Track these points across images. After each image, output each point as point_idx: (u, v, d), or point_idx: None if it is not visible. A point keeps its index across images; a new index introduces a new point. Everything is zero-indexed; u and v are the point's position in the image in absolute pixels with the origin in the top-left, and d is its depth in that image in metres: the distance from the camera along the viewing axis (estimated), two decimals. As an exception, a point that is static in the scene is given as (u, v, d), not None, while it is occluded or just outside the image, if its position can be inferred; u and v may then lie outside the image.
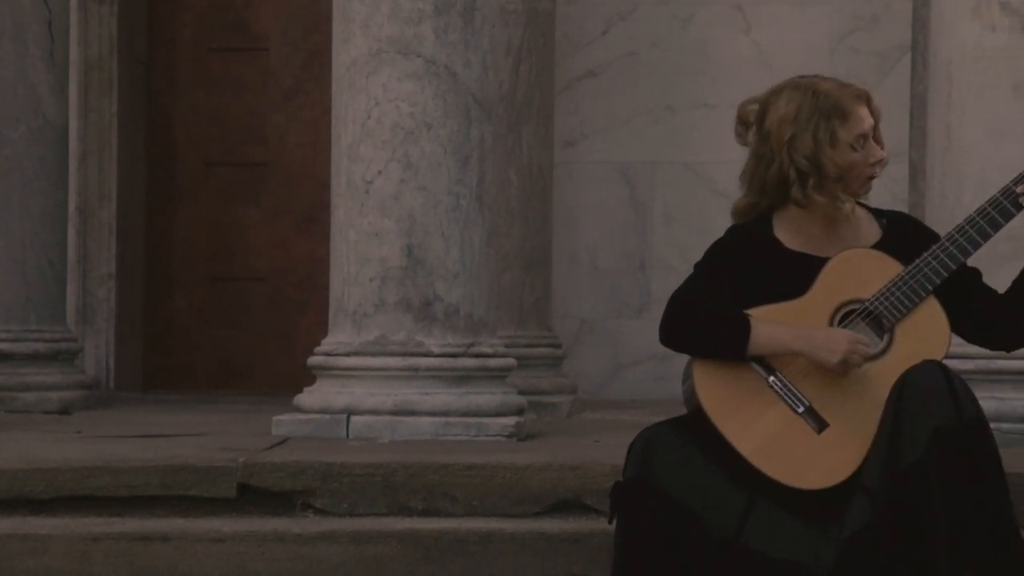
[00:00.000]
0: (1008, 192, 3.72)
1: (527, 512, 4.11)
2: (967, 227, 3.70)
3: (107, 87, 6.97)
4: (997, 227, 3.70)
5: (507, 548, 3.98)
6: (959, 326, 3.77)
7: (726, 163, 6.71)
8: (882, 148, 3.77)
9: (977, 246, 3.70)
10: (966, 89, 4.72)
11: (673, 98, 6.69)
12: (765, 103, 3.76)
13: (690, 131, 6.67)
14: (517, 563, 3.97)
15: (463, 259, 4.78)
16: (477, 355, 4.79)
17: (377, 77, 4.76)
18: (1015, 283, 3.77)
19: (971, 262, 3.81)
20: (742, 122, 3.80)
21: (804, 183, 3.72)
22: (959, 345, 3.76)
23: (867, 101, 3.75)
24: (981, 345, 3.84)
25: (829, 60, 6.51)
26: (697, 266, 3.81)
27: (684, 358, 3.79)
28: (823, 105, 3.70)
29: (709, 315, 3.68)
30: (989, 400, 4.60)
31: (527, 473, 4.13)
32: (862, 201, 3.83)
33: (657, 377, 6.56)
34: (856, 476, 3.59)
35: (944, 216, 4.58)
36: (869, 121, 3.73)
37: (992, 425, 4.53)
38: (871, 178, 3.77)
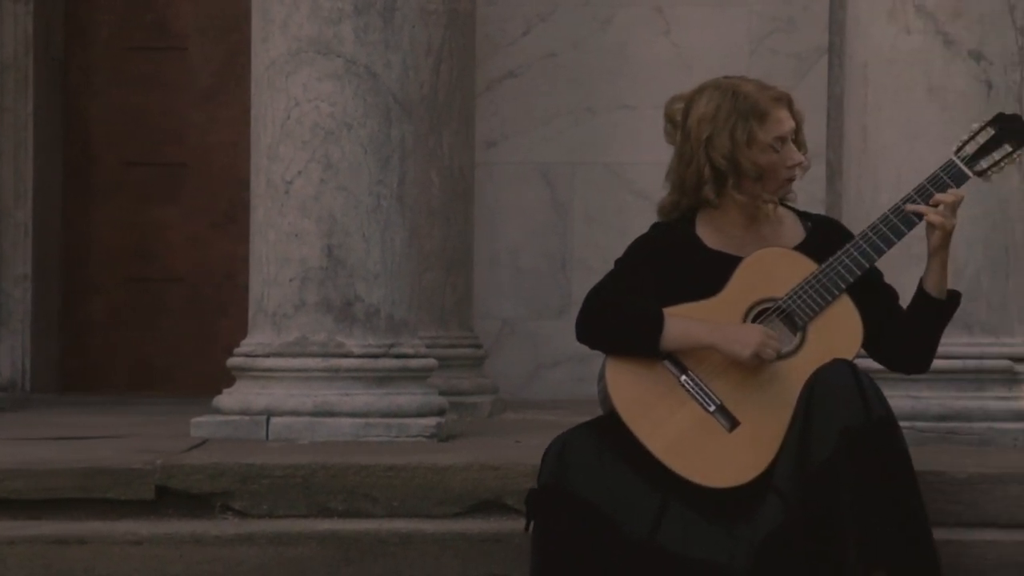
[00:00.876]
0: (922, 190, 3.76)
1: (448, 513, 4.11)
2: (880, 226, 3.73)
3: (23, 86, 6.89)
4: (911, 225, 3.74)
5: (428, 549, 3.98)
6: (868, 343, 3.80)
7: (646, 164, 6.75)
8: (804, 151, 3.80)
9: (891, 244, 3.74)
10: (882, 91, 4.77)
11: (593, 99, 6.71)
12: (689, 102, 3.79)
13: (610, 132, 6.69)
14: (438, 564, 3.97)
15: (384, 260, 4.77)
16: (398, 356, 4.79)
17: (297, 77, 4.75)
18: (910, 305, 3.80)
19: (886, 263, 3.85)
20: (670, 120, 3.82)
21: (720, 183, 3.74)
22: (876, 345, 3.79)
23: (788, 104, 3.77)
24: (887, 365, 3.88)
25: (748, 61, 6.55)
26: (618, 262, 3.83)
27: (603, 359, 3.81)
28: (742, 106, 3.72)
29: (623, 310, 3.70)
30: (904, 399, 4.66)
31: (448, 474, 4.14)
32: (789, 203, 3.85)
33: (578, 378, 6.57)
34: (767, 474, 3.62)
35: (860, 216, 4.62)
36: (789, 124, 3.75)
37: (907, 424, 4.60)
38: (790, 180, 3.79)
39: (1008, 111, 4.72)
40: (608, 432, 3.68)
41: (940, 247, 3.75)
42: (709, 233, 3.80)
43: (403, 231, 4.81)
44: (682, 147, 3.78)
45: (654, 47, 6.67)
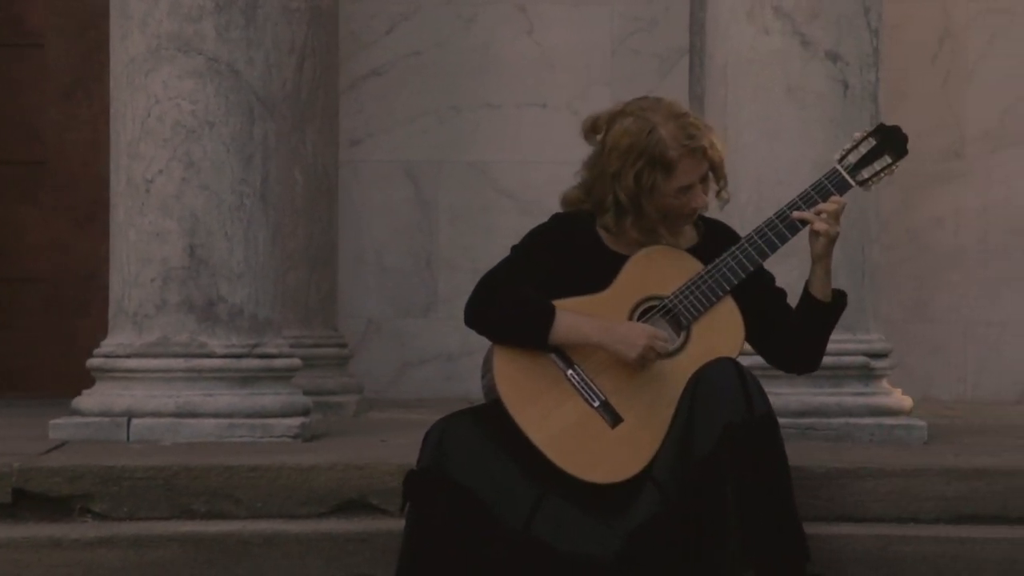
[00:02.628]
0: (807, 196, 3.82)
1: (312, 513, 4.10)
2: (766, 229, 3.80)
3: None
4: (795, 231, 3.80)
5: (292, 549, 3.97)
6: (760, 345, 3.86)
7: (510, 162, 6.77)
8: (724, 184, 3.80)
9: (775, 248, 3.81)
10: (741, 91, 4.82)
11: (458, 98, 6.71)
12: (612, 118, 3.78)
13: (475, 131, 6.70)
14: (302, 564, 3.96)
15: (247, 259, 4.74)
16: (262, 356, 4.76)
17: (157, 75, 4.70)
18: (796, 307, 3.86)
19: (783, 263, 3.91)
20: (593, 130, 3.81)
21: (621, 216, 3.76)
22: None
23: (704, 151, 3.74)
24: (779, 367, 3.94)
25: (611, 61, 6.59)
26: (514, 249, 3.84)
27: (472, 358, 3.82)
28: (652, 151, 3.71)
29: (515, 300, 3.71)
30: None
31: (312, 474, 4.12)
32: None
33: (444, 376, 6.58)
34: (647, 470, 3.65)
35: (721, 216, 4.66)
36: (698, 172, 3.74)
37: (769, 420, 4.66)
38: (691, 216, 3.82)
39: (864, 111, 4.81)
40: (490, 420, 3.69)
41: (824, 253, 3.81)
42: (610, 234, 3.82)
43: (266, 230, 4.79)
44: (596, 159, 3.79)
45: (517, 46, 6.69)
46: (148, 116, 4.71)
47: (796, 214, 3.79)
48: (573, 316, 3.69)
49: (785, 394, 4.74)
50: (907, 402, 4.87)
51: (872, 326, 4.86)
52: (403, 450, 3.80)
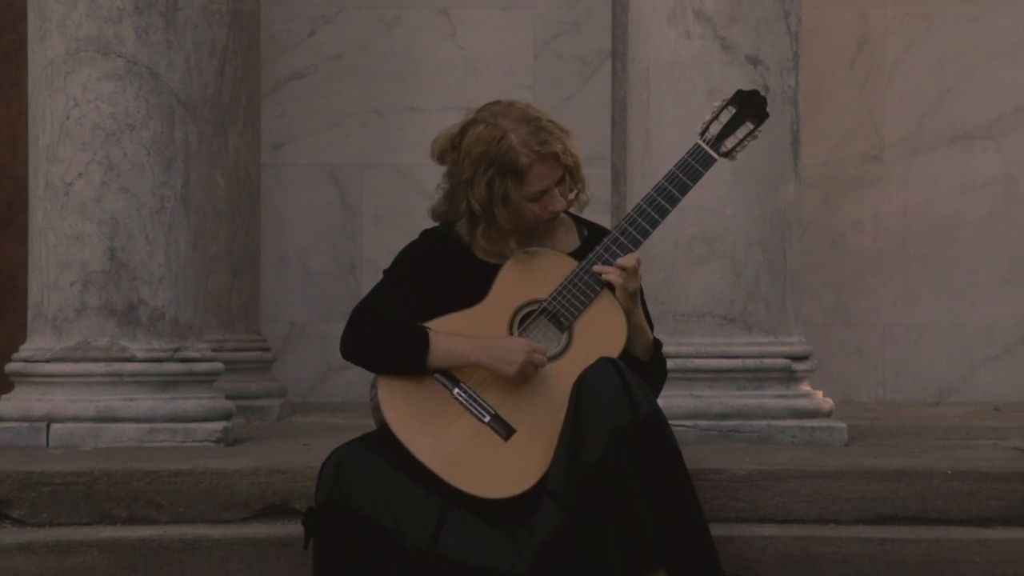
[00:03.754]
0: (672, 177, 3.78)
1: (235, 518, 4.08)
2: (637, 217, 3.73)
3: None
4: (664, 214, 3.75)
5: (214, 555, 3.94)
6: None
7: (433, 166, 6.76)
8: (582, 187, 3.75)
9: (647, 235, 3.73)
10: (664, 95, 4.84)
11: (381, 101, 6.70)
12: (465, 127, 3.75)
13: (398, 134, 6.69)
14: (224, 569, 3.94)
15: (168, 262, 4.72)
16: (183, 360, 4.74)
17: (76, 77, 4.67)
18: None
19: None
20: (442, 152, 3.79)
21: (474, 224, 3.72)
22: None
23: (557, 156, 3.67)
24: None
25: (533, 64, 6.60)
26: (385, 273, 3.81)
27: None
28: (503, 160, 3.66)
29: (387, 331, 3.67)
30: (687, 398, 4.74)
31: (235, 478, 4.10)
32: (570, 210, 3.85)
33: (368, 380, 6.54)
34: (544, 482, 3.63)
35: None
36: (552, 177, 3.68)
37: (690, 423, 4.69)
38: (547, 220, 3.78)
39: (785, 115, 4.84)
40: (385, 443, 3.66)
41: (626, 307, 3.69)
42: (478, 244, 3.78)
43: (188, 233, 4.76)
44: (453, 168, 3.76)
45: (440, 49, 6.69)
46: (67, 119, 4.68)
47: (596, 268, 3.67)
48: (448, 339, 3.65)
49: (707, 396, 4.77)
50: (828, 404, 4.91)
51: (793, 329, 4.89)
52: (326, 454, 3.78)
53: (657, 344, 3.78)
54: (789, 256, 4.88)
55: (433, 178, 6.83)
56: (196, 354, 4.77)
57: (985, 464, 4.30)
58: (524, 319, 3.71)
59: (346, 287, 6.69)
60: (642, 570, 3.55)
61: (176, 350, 4.72)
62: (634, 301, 3.69)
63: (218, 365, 4.86)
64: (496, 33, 6.66)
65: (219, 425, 4.71)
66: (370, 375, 3.74)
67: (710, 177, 4.70)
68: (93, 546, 3.90)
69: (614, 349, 3.67)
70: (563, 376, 3.65)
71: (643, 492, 3.55)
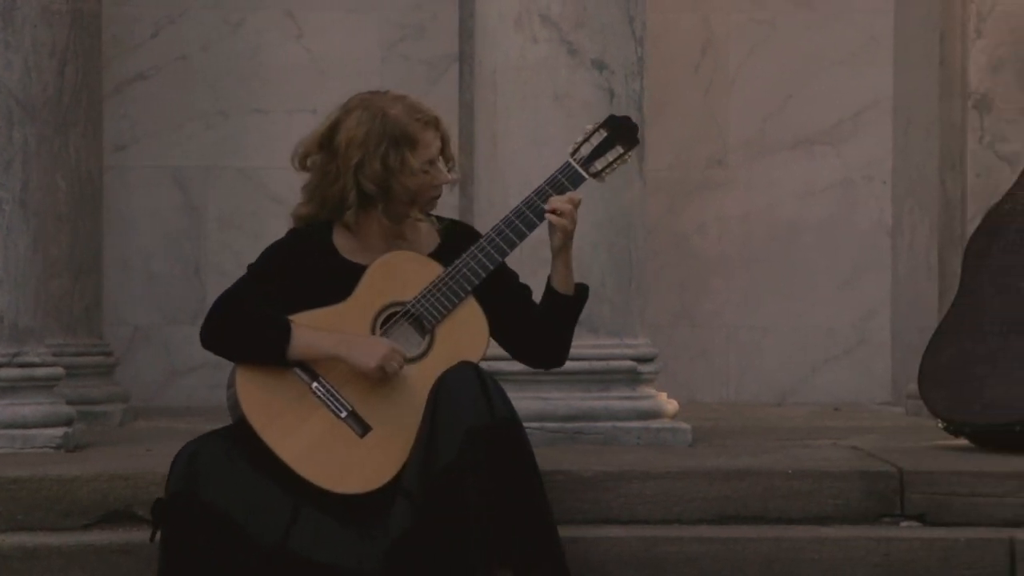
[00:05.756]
0: (541, 192, 3.86)
1: (75, 525, 4.03)
2: (504, 228, 3.82)
3: None
4: (532, 227, 3.83)
5: (54, 563, 3.90)
6: (506, 343, 3.89)
7: (279, 169, 6.67)
8: (453, 166, 3.86)
9: (513, 245, 3.83)
10: (510, 98, 4.86)
11: (226, 103, 6.65)
12: (336, 120, 3.78)
13: (243, 136, 6.64)
14: (64, 577, 3.89)
15: (7, 266, 4.64)
16: (22, 364, 4.67)
17: (-89, 76, 4.57)
18: (539, 305, 3.90)
19: (511, 267, 3.93)
20: (306, 154, 3.81)
21: (367, 207, 3.76)
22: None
23: (436, 125, 3.80)
24: (526, 363, 3.97)
25: (380, 68, 6.59)
26: (250, 268, 3.81)
27: (241, 365, 3.77)
28: (392, 131, 3.74)
29: (249, 319, 3.69)
30: (534, 400, 4.76)
31: (75, 485, 4.05)
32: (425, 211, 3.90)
33: (213, 384, 6.49)
34: (398, 481, 3.65)
35: (491, 221, 4.66)
36: (436, 146, 3.80)
37: (537, 425, 4.71)
38: (436, 197, 3.86)
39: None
40: (239, 439, 3.66)
41: (562, 248, 3.85)
42: (346, 244, 3.82)
43: (27, 236, 4.69)
44: (327, 166, 3.78)
45: (286, 51, 6.65)
46: (-98, 119, 4.58)
47: (548, 204, 3.81)
48: (310, 331, 3.67)
49: (554, 399, 4.79)
50: (672, 405, 4.96)
51: (639, 331, 4.94)
52: (169, 460, 3.75)
53: (582, 287, 3.90)
54: (634, 258, 4.92)
55: (279, 181, 6.80)
56: (36, 359, 4.71)
57: (824, 463, 4.38)
58: (386, 320, 3.74)
59: (191, 291, 6.63)
60: (491, 570, 3.57)
61: (15, 355, 4.65)
62: (569, 242, 3.83)
63: (59, 370, 4.80)
64: (343, 36, 6.64)
65: (59, 431, 4.65)
66: (221, 378, 3.73)
67: (556, 181, 4.72)
68: (-73, 556, 3.82)
69: (475, 354, 3.73)
70: (422, 378, 3.68)
71: (496, 492, 3.58)
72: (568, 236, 3.83)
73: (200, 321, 6.76)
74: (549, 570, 3.64)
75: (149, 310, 6.66)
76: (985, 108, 5.78)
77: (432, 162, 3.80)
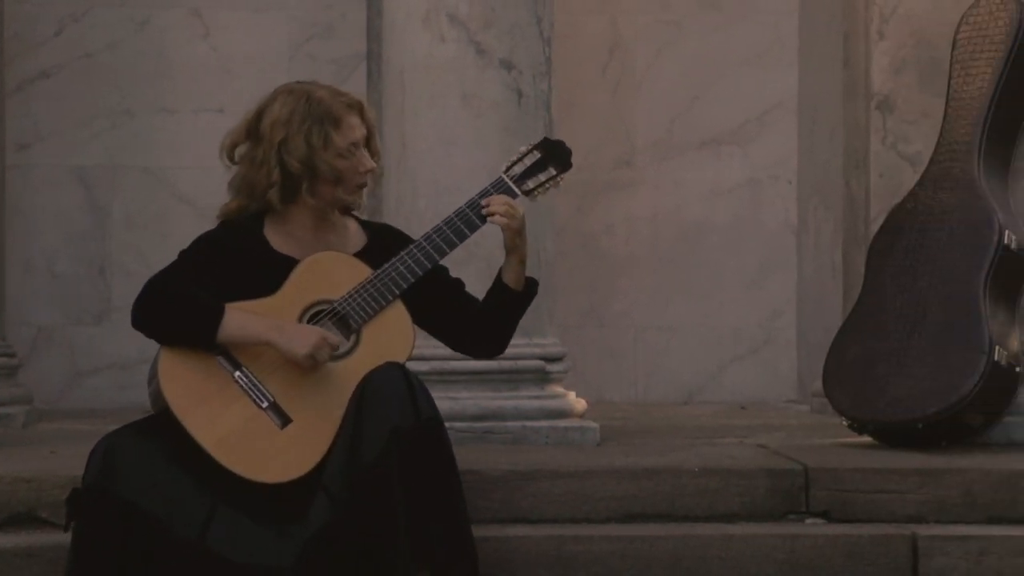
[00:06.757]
0: (473, 204, 3.88)
1: (-23, 528, 3.98)
2: (434, 236, 3.85)
3: None
4: (463, 238, 3.87)
5: (-45, 567, 3.84)
6: (443, 334, 3.91)
7: (186, 168, 6.67)
8: (377, 157, 3.88)
9: (443, 254, 3.86)
10: (418, 98, 4.86)
11: (132, 102, 6.59)
12: (262, 107, 3.81)
13: (150, 136, 6.59)
14: (-34, 582, 3.84)
15: (-93, 266, 4.57)
16: (-77, 366, 4.60)
17: None
18: (487, 295, 3.93)
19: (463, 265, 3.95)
20: (233, 144, 3.82)
21: (292, 188, 3.78)
22: (416, 348, 3.88)
23: (360, 111, 3.83)
24: (465, 353, 3.99)
25: (288, 67, 6.56)
26: (181, 253, 3.81)
27: (148, 366, 3.76)
28: (316, 110, 3.77)
29: (182, 299, 3.69)
30: (444, 400, 4.75)
31: (-23, 487, 4.00)
32: (353, 213, 3.92)
33: (118, 386, 6.45)
34: (319, 473, 3.66)
35: (400, 221, 4.70)
36: (361, 131, 3.83)
37: (446, 424, 4.71)
38: (361, 186, 3.86)
39: (538, 120, 4.91)
40: (158, 432, 3.66)
41: (514, 244, 3.86)
42: (277, 236, 3.84)
43: (-72, 236, 4.63)
44: (253, 151, 3.81)
45: (193, 50, 6.60)
46: None
47: (484, 201, 3.83)
48: (243, 314, 3.70)
49: (463, 398, 4.80)
50: (581, 405, 4.98)
51: (548, 330, 4.95)
52: (73, 461, 3.71)
53: (532, 282, 3.91)
54: (543, 259, 4.93)
55: (185, 180, 6.74)
56: (-63, 361, 4.64)
57: (730, 461, 4.42)
58: (313, 317, 3.76)
59: (95, 291, 6.57)
60: (408, 569, 3.58)
61: (-84, 357, 4.58)
62: (522, 237, 3.83)
63: (-41, 372, 4.73)
64: (250, 35, 6.60)
65: (-38, 433, 4.58)
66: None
67: (466, 181, 4.74)
68: None
69: (400, 355, 3.76)
70: (346, 375, 3.71)
71: (416, 492, 3.60)
72: (516, 233, 3.84)
73: (106, 322, 6.73)
74: (468, 570, 3.65)
75: (52, 310, 6.59)
76: (888, 109, 5.85)
77: (356, 145, 3.81)
